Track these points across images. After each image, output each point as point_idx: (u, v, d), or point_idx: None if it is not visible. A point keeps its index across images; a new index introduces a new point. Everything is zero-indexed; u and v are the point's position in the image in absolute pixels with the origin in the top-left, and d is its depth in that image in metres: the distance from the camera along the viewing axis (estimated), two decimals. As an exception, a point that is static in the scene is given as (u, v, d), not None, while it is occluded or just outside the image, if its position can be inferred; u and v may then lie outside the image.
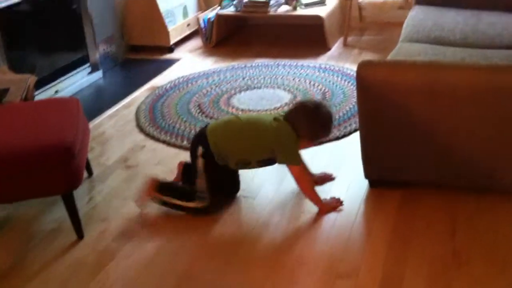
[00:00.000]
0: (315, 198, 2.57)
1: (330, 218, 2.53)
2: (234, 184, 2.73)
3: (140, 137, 3.45)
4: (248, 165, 2.60)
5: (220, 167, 2.56)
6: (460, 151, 2.33)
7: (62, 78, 4.17)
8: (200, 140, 2.57)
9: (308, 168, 2.75)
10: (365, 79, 2.34)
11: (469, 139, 2.30)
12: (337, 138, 3.24)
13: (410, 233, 2.37)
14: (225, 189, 2.69)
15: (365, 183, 2.72)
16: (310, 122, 2.48)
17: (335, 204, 2.59)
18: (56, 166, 2.29)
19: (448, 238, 2.31)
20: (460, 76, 2.20)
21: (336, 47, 4.75)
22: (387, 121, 2.39)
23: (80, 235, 2.48)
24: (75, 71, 4.30)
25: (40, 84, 3.88)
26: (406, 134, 2.38)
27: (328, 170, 2.87)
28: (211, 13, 4.98)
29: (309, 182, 2.63)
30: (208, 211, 2.57)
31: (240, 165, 2.60)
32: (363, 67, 2.34)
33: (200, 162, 2.54)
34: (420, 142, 2.37)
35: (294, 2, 4.72)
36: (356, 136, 2.81)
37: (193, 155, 2.59)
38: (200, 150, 2.54)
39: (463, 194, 2.56)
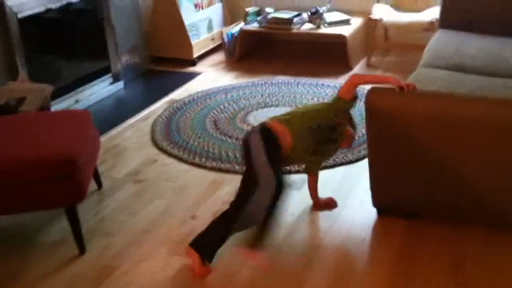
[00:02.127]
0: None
1: (335, 243, 2.48)
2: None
3: (154, 151, 3.46)
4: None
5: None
6: (470, 184, 2.26)
7: (83, 88, 4.21)
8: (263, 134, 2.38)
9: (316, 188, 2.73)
10: (374, 106, 2.30)
11: (479, 173, 2.22)
12: (350, 162, 3.19)
13: (413, 265, 2.31)
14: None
15: (374, 210, 2.67)
16: None
17: (328, 202, 2.74)
18: (59, 178, 2.30)
19: (451, 274, 2.24)
20: (471, 108, 2.14)
21: (358, 67, 4.70)
22: (395, 150, 2.34)
23: (81, 249, 2.48)
24: (96, 81, 4.34)
25: (61, 93, 3.93)
26: (414, 164, 2.33)
27: (339, 193, 2.83)
28: (235, 28, 4.99)
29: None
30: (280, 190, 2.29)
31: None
32: (372, 94, 2.30)
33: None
34: (428, 173, 2.31)
35: (317, 21, 4.69)
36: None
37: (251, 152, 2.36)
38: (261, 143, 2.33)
39: (471, 229, 2.49)
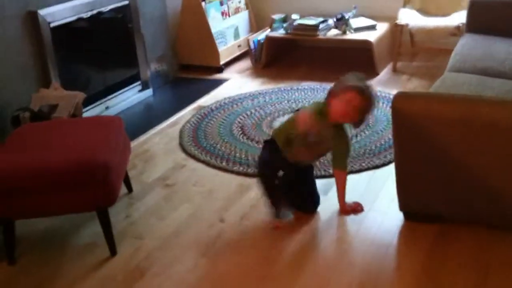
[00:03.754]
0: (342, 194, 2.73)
1: (362, 248, 2.49)
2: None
3: (182, 155, 3.52)
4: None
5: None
6: (496, 189, 2.25)
7: (113, 95, 4.30)
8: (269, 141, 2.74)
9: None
10: (400, 111, 2.31)
11: (506, 177, 2.22)
12: (377, 167, 3.20)
13: (440, 272, 2.30)
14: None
15: (400, 215, 2.67)
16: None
17: (355, 207, 2.75)
18: (92, 182, 2.37)
19: (479, 282, 2.23)
20: (497, 112, 2.14)
21: (384, 72, 4.70)
22: (422, 154, 2.35)
23: (113, 251, 2.54)
24: (126, 88, 4.43)
25: (92, 99, 4.02)
26: (441, 168, 2.33)
27: (365, 198, 2.84)
28: (261, 35, 5.04)
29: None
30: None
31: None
32: (398, 99, 2.31)
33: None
34: (455, 176, 2.31)
35: (343, 26, 4.71)
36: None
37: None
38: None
39: (499, 234, 2.47)
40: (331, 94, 2.59)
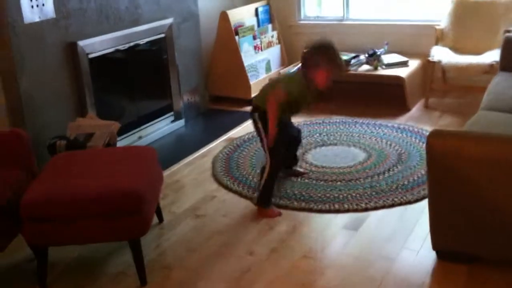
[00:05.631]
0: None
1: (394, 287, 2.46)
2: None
3: (213, 187, 3.54)
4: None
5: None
6: (532, 230, 2.22)
7: (147, 125, 4.37)
8: (253, 110, 3.23)
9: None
10: (435, 149, 2.30)
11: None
12: (409, 202, 3.17)
13: (475, 313, 2.25)
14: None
15: (433, 254, 2.63)
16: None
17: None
18: (126, 212, 2.40)
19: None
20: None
21: (416, 108, 4.69)
22: (456, 192, 2.32)
23: (143, 282, 2.55)
24: (159, 119, 4.50)
25: (126, 129, 4.09)
26: (475, 207, 2.30)
27: (398, 235, 2.84)
28: (293, 69, 5.08)
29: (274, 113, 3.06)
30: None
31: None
32: (433, 137, 2.30)
33: (259, 124, 3.16)
34: (489, 216, 2.28)
35: (375, 62, 4.73)
36: (428, 203, 2.74)
37: (254, 125, 3.23)
38: (256, 115, 3.17)
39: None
40: (311, 65, 3.07)
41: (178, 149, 4.27)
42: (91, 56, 3.75)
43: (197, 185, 3.58)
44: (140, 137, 4.27)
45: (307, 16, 5.63)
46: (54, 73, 3.55)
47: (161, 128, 4.49)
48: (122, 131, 3.97)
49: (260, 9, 5.34)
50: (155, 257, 2.80)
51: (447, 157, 2.29)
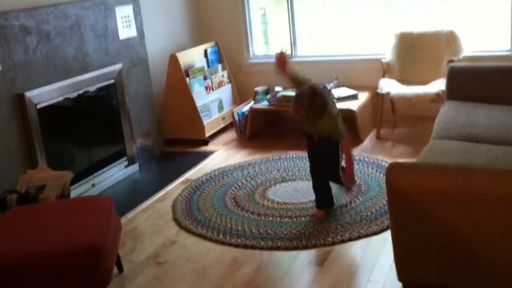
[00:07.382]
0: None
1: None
2: None
3: (173, 231, 3.46)
4: None
5: None
6: (495, 259, 2.23)
7: (100, 172, 4.27)
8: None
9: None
10: (394, 182, 2.31)
11: (504, 247, 2.21)
12: (372, 234, 3.18)
13: None
14: None
15: (399, 285, 2.63)
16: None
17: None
18: (85, 268, 2.31)
19: None
20: (493, 181, 2.15)
21: (369, 140, 4.77)
22: (418, 224, 2.33)
23: (106, 338, 2.45)
24: (112, 165, 4.40)
25: (78, 177, 3.98)
26: (439, 238, 2.31)
27: (362, 267, 2.84)
28: (245, 107, 5.11)
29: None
30: None
31: None
32: (392, 170, 2.32)
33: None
34: (453, 247, 2.29)
35: (326, 97, 4.79)
36: (390, 234, 2.75)
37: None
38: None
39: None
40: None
41: (134, 194, 4.18)
42: (39, 106, 3.66)
43: (156, 231, 3.50)
44: (93, 185, 4.16)
45: (255, 55, 5.70)
46: (1, 125, 3.44)
47: (115, 174, 4.39)
48: (75, 180, 3.85)
49: (209, 50, 5.37)
50: (117, 310, 2.70)
51: (407, 189, 2.30)
